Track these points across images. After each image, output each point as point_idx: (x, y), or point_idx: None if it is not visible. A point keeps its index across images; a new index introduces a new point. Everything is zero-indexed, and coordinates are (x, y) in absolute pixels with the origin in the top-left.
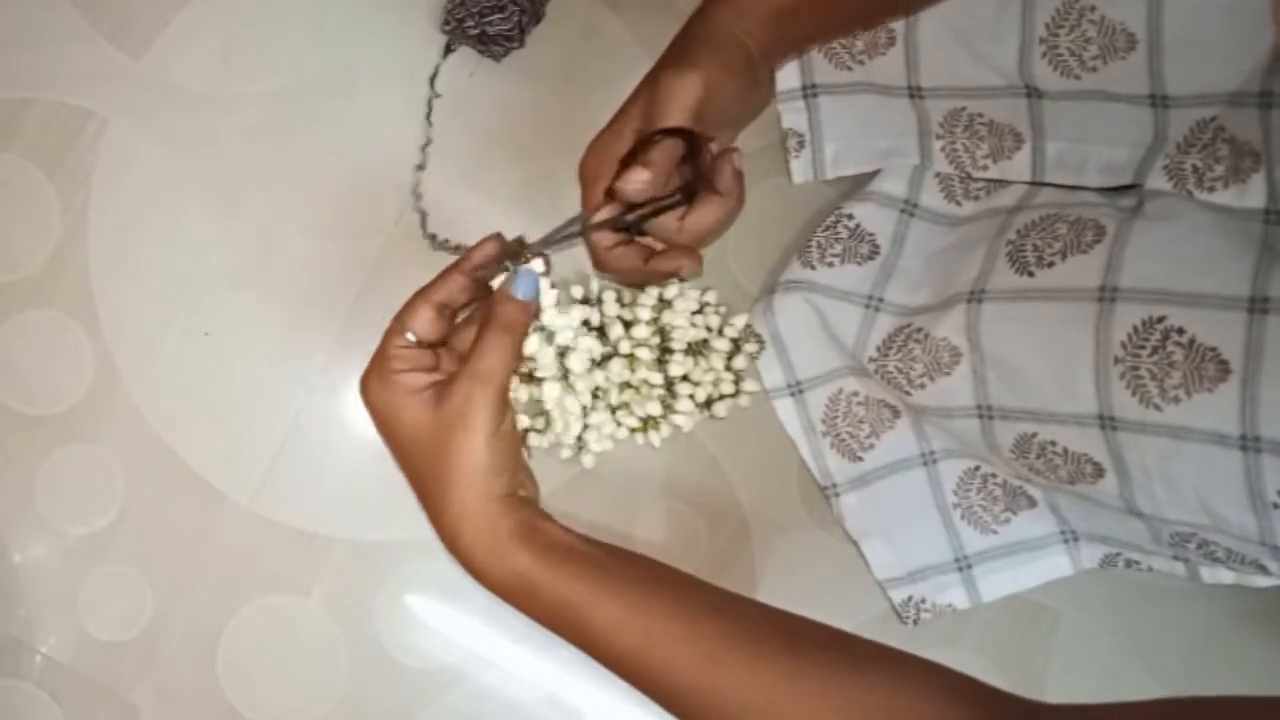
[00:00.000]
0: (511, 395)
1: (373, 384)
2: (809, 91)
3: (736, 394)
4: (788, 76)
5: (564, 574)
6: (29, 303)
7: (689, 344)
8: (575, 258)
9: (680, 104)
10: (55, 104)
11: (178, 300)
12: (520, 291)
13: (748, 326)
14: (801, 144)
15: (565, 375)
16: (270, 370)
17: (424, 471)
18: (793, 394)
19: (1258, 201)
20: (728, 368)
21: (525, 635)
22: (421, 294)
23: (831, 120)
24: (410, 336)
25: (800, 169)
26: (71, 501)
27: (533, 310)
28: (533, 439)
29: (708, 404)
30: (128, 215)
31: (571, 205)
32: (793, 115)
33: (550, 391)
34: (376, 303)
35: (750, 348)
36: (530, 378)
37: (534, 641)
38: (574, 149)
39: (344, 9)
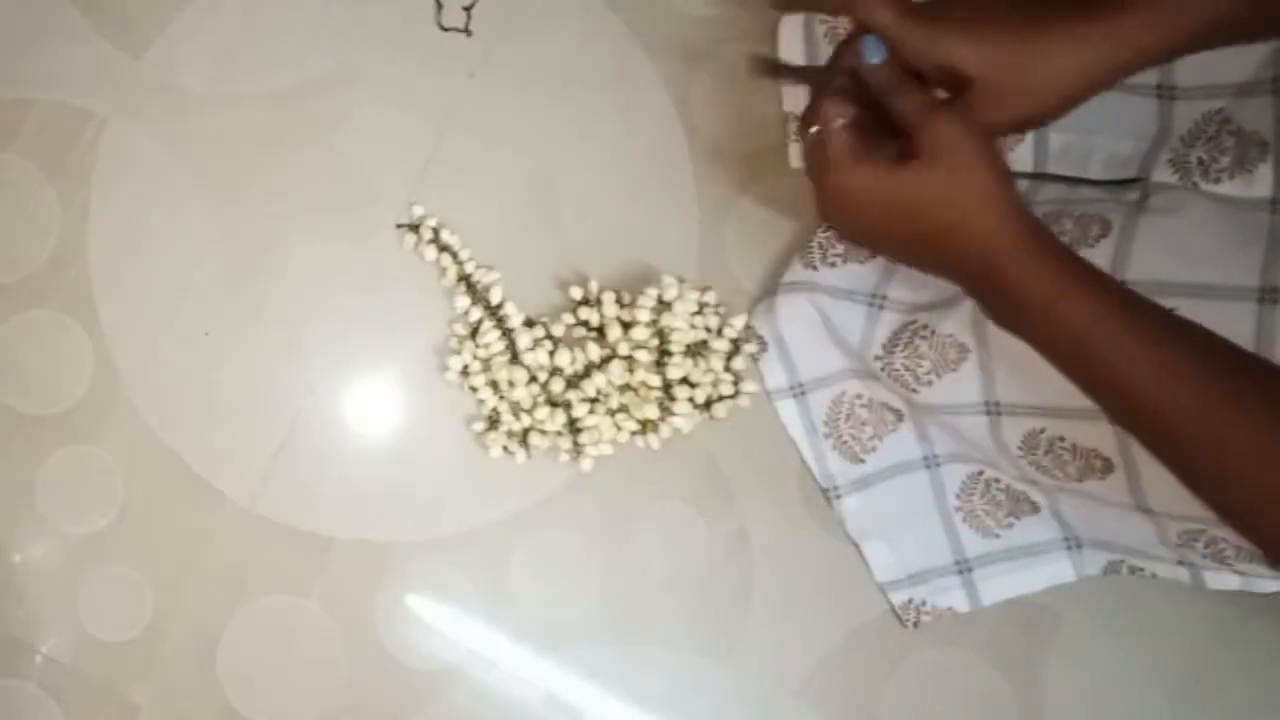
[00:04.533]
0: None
1: (849, 183)
2: None
3: (736, 395)
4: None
5: (1089, 296)
6: (29, 303)
7: (688, 345)
8: (567, 262)
9: None
10: (55, 104)
11: (178, 300)
12: (871, 56)
13: (747, 327)
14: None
15: (514, 358)
16: (270, 370)
17: (942, 218)
18: (795, 395)
19: (1265, 191)
20: (727, 369)
21: (525, 635)
22: (818, 96)
23: None
24: (841, 121)
25: (798, 155)
26: (71, 501)
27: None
28: (534, 439)
29: (707, 405)
30: (128, 215)
31: (571, 206)
32: (794, 101)
33: (500, 372)
34: (377, 302)
35: (750, 348)
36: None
37: (534, 641)
38: (574, 149)
39: (344, 9)
